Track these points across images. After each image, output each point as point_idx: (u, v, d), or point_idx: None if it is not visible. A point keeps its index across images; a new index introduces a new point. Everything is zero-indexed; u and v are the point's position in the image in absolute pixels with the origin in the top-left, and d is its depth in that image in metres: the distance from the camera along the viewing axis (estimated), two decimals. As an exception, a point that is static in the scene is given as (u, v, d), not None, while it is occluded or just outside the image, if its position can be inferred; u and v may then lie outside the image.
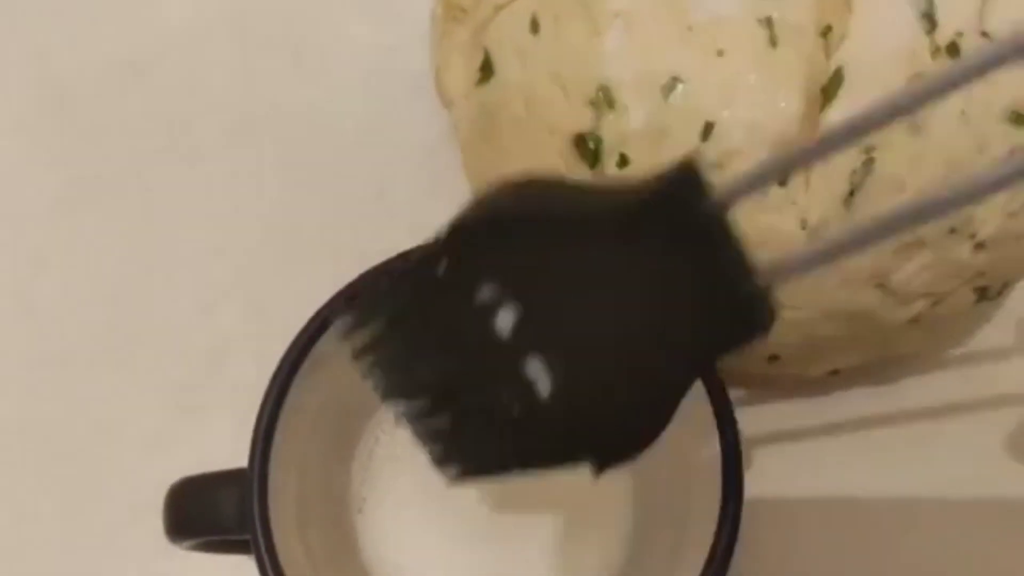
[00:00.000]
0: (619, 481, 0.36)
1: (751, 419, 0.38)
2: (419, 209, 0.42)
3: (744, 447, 0.31)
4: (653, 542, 0.34)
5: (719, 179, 0.22)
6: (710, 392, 0.31)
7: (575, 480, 0.34)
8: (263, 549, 0.29)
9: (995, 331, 0.40)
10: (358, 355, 0.24)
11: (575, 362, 0.20)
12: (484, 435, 0.22)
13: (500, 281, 0.21)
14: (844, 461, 0.39)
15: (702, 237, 0.21)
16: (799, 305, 0.33)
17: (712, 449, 0.31)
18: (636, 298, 0.21)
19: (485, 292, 0.21)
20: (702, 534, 0.30)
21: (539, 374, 0.20)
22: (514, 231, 0.21)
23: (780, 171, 0.23)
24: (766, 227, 0.32)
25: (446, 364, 0.22)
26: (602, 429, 0.21)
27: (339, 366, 0.32)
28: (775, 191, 0.32)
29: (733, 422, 0.31)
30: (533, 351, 0.20)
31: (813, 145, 0.21)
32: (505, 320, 0.20)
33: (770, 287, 0.22)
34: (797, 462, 0.39)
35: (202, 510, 0.31)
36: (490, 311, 0.21)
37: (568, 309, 0.21)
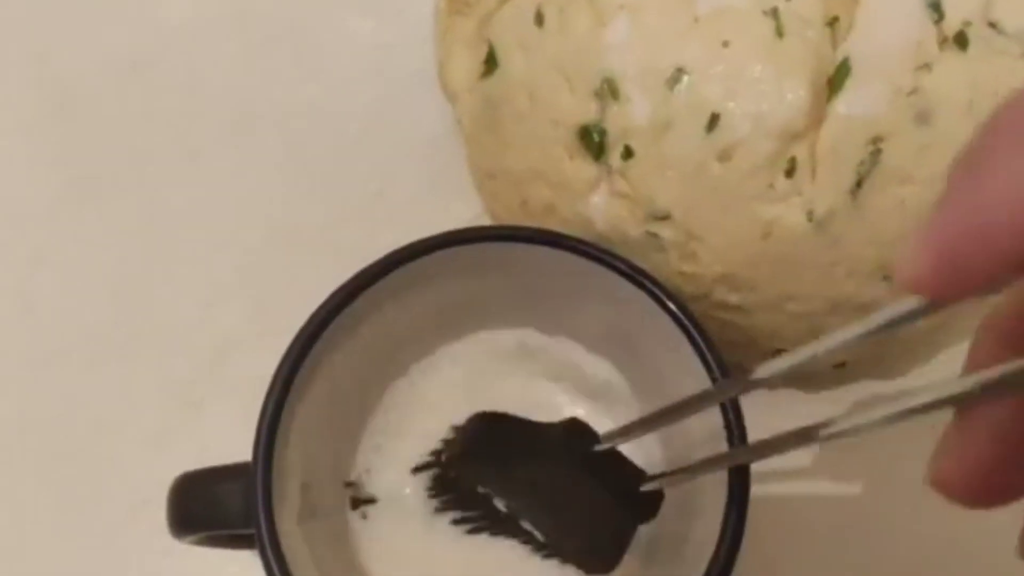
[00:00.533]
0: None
1: (756, 412, 0.38)
2: (422, 204, 0.42)
3: (749, 440, 0.31)
4: (659, 538, 0.34)
5: (605, 426, 0.33)
6: (730, 442, 0.31)
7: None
8: (267, 543, 0.29)
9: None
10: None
11: (548, 523, 0.32)
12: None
13: (486, 485, 0.32)
14: (850, 453, 0.39)
15: (600, 463, 0.32)
16: (806, 298, 0.33)
17: (718, 444, 0.30)
18: (570, 492, 0.32)
19: (480, 491, 0.32)
20: (708, 529, 0.30)
21: (531, 528, 0.32)
22: (486, 450, 0.33)
23: (649, 428, 0.30)
24: (772, 218, 0.32)
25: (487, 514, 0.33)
26: (582, 556, 0.32)
27: (342, 361, 0.32)
28: (782, 181, 0.32)
29: (739, 417, 0.31)
30: (522, 518, 0.32)
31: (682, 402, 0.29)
32: (499, 504, 0.32)
33: (654, 488, 0.32)
34: (803, 454, 0.38)
35: (206, 505, 0.30)
36: (489, 499, 0.32)
37: (529, 496, 0.32)
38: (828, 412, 0.38)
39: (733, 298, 0.34)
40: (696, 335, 0.31)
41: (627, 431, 0.31)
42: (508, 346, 0.36)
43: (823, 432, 0.24)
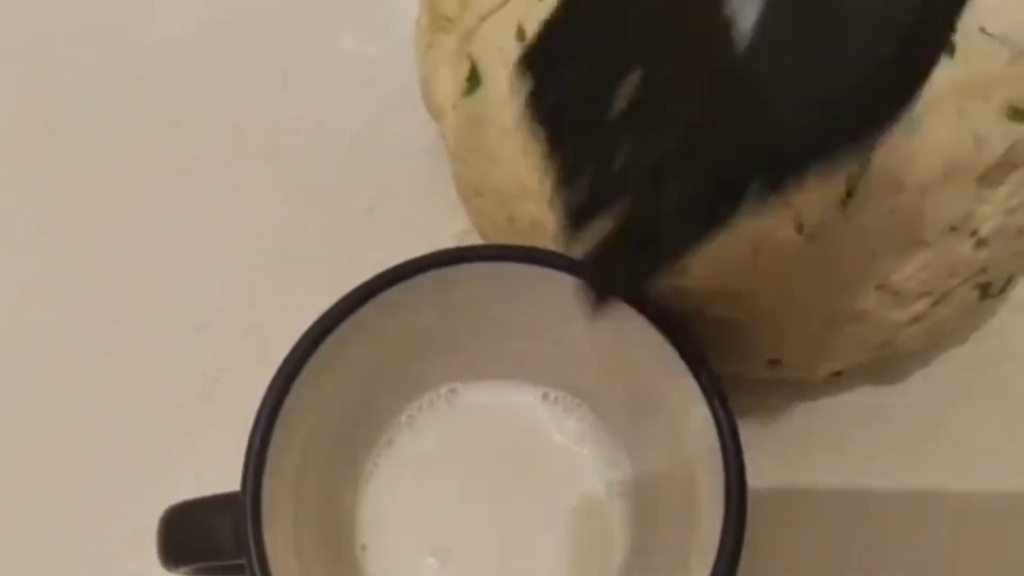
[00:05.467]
0: (619, 497, 0.35)
1: (754, 424, 0.38)
2: (410, 221, 0.42)
3: (747, 452, 0.30)
4: (654, 559, 0.34)
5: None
6: (709, 401, 0.30)
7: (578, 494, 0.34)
8: (258, 573, 0.28)
9: (998, 328, 0.40)
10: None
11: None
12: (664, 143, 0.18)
13: None
14: (849, 463, 0.38)
15: None
16: (800, 310, 0.33)
17: (715, 459, 0.30)
18: None
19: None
20: (706, 542, 0.30)
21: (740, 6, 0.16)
22: None
23: None
24: (761, 231, 0.32)
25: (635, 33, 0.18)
26: (830, 88, 0.16)
27: (333, 385, 0.32)
28: (770, 194, 0.31)
29: (734, 431, 0.30)
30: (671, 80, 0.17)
31: None
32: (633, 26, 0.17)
33: None
34: (802, 466, 0.38)
35: (197, 536, 0.30)
36: (621, 27, 0.18)
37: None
38: (824, 422, 0.39)
39: (727, 312, 0.33)
40: (688, 350, 0.31)
41: None
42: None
43: None
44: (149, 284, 0.42)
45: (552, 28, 0.20)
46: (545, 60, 0.20)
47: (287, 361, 0.30)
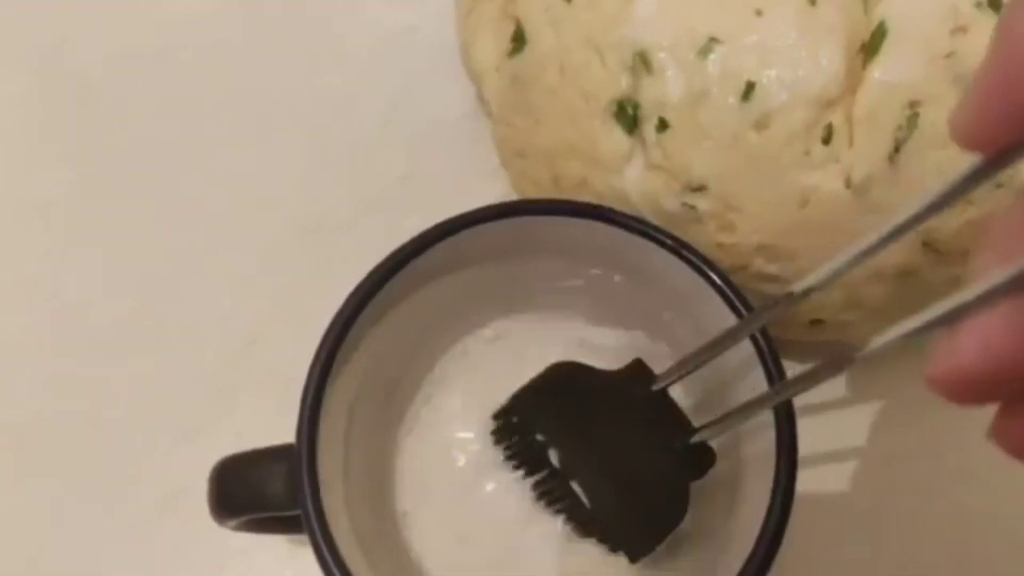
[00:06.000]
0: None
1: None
2: (447, 187, 0.42)
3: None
4: (692, 534, 0.34)
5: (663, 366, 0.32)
6: (770, 379, 0.30)
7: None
8: (315, 521, 0.28)
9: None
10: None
11: (597, 482, 0.32)
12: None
13: (544, 433, 0.33)
14: (888, 426, 0.39)
15: (657, 411, 0.32)
16: (845, 265, 0.33)
17: (768, 459, 0.30)
18: (624, 445, 0.32)
19: (539, 438, 0.33)
20: (748, 518, 0.30)
21: (579, 490, 0.32)
22: (552, 400, 0.33)
23: (705, 358, 0.30)
24: (810, 186, 0.32)
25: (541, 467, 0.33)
26: (628, 525, 0.32)
27: (384, 337, 0.32)
28: (819, 148, 0.31)
29: (790, 410, 0.30)
30: (572, 477, 0.32)
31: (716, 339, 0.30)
32: (553, 457, 0.33)
33: (703, 440, 0.31)
34: (842, 428, 0.38)
35: (249, 487, 0.30)
36: (544, 449, 0.33)
37: (584, 453, 0.32)
38: (864, 386, 0.39)
39: (772, 268, 0.34)
40: (739, 306, 0.31)
41: (680, 368, 0.31)
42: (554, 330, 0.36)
43: (857, 355, 0.24)
44: (185, 252, 0.42)
45: (504, 413, 0.34)
46: (505, 431, 0.34)
47: (344, 308, 0.30)
